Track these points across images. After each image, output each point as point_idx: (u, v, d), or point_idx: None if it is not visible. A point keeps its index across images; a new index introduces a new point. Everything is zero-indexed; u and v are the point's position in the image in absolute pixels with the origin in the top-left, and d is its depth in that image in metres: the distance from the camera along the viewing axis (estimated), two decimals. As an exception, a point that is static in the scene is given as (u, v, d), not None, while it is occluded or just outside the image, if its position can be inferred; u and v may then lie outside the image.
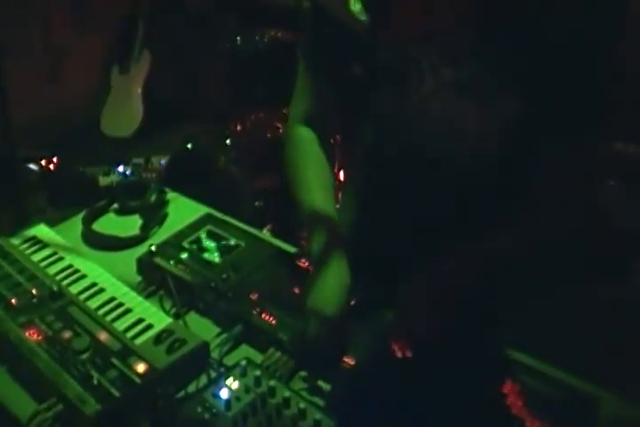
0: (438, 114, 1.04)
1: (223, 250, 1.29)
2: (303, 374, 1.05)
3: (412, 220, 1.15)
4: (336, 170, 1.98)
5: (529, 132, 0.99)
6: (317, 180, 1.20)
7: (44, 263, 1.25)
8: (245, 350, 1.12)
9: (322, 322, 1.01)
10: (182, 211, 1.49)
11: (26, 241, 1.32)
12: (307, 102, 1.24)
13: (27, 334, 1.06)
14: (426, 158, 1.09)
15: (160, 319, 1.11)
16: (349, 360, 1.02)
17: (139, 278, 1.28)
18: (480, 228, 1.04)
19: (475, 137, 1.03)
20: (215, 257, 1.27)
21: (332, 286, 1.05)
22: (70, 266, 1.24)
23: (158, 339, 1.06)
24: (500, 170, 1.06)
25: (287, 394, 0.95)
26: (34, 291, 1.16)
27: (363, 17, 1.03)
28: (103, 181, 3.01)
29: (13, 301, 1.14)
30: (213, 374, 1.05)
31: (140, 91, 3.71)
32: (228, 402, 0.95)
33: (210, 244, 1.31)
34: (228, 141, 2.76)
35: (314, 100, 1.23)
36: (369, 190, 1.26)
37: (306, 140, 1.25)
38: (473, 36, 0.96)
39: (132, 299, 1.16)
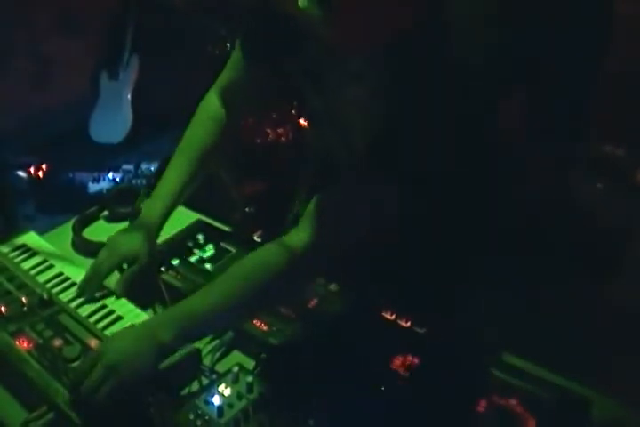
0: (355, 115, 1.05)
1: (214, 256, 1.29)
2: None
3: None
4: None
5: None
6: (187, 146, 1.31)
7: (33, 271, 1.24)
8: (237, 357, 1.11)
9: None
10: (173, 217, 1.48)
11: (15, 249, 1.31)
12: (229, 75, 1.30)
13: (17, 342, 1.06)
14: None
15: (151, 326, 1.10)
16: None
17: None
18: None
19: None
20: (206, 263, 1.27)
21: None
22: (60, 274, 1.24)
23: (149, 346, 1.06)
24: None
25: (279, 400, 0.95)
26: (24, 299, 1.16)
27: (313, 11, 0.91)
28: (93, 187, 3.00)
29: (3, 309, 1.13)
30: (205, 381, 1.04)
31: (129, 96, 3.71)
32: (220, 409, 0.95)
33: (201, 250, 1.31)
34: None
35: (236, 75, 1.27)
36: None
37: (205, 108, 1.34)
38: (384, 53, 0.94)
39: (123, 306, 1.16)
